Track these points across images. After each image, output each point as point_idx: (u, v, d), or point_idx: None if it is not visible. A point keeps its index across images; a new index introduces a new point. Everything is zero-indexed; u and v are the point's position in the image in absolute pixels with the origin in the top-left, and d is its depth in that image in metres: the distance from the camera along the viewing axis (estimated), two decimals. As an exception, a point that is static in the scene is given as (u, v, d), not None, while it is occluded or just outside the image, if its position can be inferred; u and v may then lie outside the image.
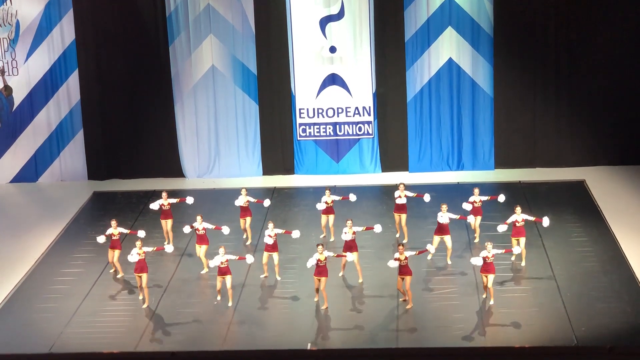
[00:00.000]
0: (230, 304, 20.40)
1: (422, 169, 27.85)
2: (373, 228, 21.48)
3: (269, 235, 21.15)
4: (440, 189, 25.58)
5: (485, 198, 22.65)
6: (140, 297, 20.57)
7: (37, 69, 27.82)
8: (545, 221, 21.55)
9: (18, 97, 28.01)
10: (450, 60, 27.38)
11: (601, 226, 23.45)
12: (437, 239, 21.75)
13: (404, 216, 22.70)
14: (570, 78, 27.24)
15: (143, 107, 27.90)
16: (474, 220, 22.40)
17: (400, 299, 20.02)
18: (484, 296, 20.18)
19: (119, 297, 20.93)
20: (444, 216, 21.68)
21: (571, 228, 23.38)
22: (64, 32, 27.57)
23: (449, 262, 21.77)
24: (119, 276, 21.75)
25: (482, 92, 27.50)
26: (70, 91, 27.94)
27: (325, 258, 20.14)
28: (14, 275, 22.09)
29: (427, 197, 22.90)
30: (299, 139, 28.04)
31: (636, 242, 22.61)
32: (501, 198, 22.80)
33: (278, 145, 28.12)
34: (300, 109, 27.88)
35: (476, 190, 22.64)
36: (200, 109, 28.01)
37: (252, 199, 23.00)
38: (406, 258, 19.68)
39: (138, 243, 20.57)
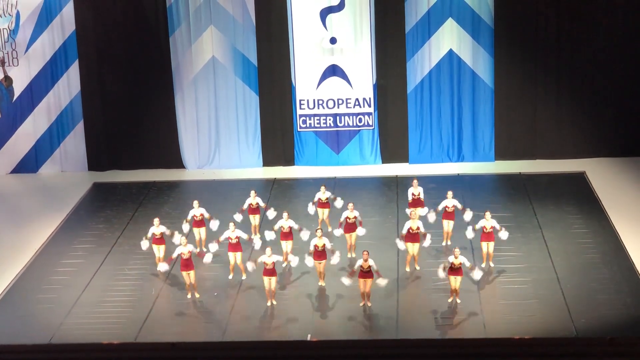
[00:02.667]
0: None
1: (422, 161, 27.84)
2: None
3: (282, 227, 21.29)
4: (440, 181, 25.58)
5: (458, 205, 21.96)
6: (189, 295, 20.50)
7: (37, 60, 27.79)
8: (504, 234, 21.27)
9: (18, 87, 27.98)
10: (450, 51, 27.36)
11: (601, 218, 23.45)
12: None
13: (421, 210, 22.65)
14: (570, 69, 27.21)
15: (143, 98, 27.88)
16: (447, 225, 22.16)
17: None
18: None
19: (119, 288, 20.93)
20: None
21: (571, 220, 23.37)
22: (64, 23, 27.53)
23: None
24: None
25: (483, 84, 27.48)
26: (70, 81, 27.91)
27: (324, 245, 20.27)
28: (14, 266, 22.08)
29: (467, 214, 22.09)
30: (299, 130, 28.03)
31: (636, 234, 22.61)
32: (467, 216, 21.79)
33: (278, 137, 28.11)
34: (300, 100, 27.87)
35: (449, 194, 22.17)
36: (200, 100, 27.99)
37: (261, 203, 22.90)
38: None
39: (183, 240, 20.40)
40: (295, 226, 21.46)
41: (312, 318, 19.50)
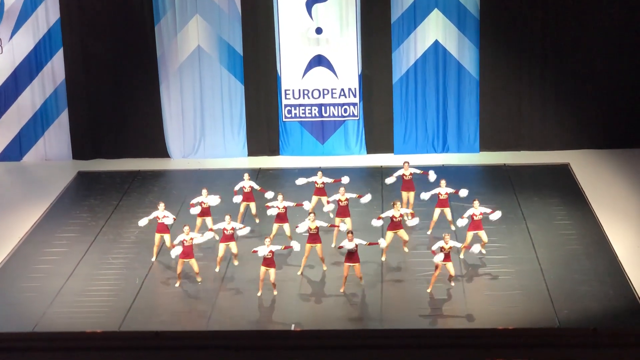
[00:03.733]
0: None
1: (407, 151, 27.86)
2: (362, 197, 22.14)
3: (278, 207, 21.48)
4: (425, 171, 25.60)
5: (450, 190, 22.21)
6: (177, 284, 20.54)
7: (21, 49, 27.67)
8: (497, 214, 21.47)
9: (2, 76, 27.85)
10: (436, 42, 27.37)
11: (585, 209, 23.53)
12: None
13: (412, 194, 22.74)
14: (556, 61, 27.27)
15: (128, 87, 27.81)
16: (441, 213, 22.23)
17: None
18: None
19: (103, 277, 20.91)
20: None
21: (555, 211, 23.44)
22: (49, 12, 27.42)
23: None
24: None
25: (468, 75, 27.51)
26: (55, 71, 27.82)
27: (317, 227, 20.40)
28: (-2, 255, 22.07)
29: (432, 176, 22.90)
30: (284, 120, 28.01)
31: (619, 226, 22.71)
32: (463, 193, 22.23)
33: (263, 126, 28.09)
34: (285, 90, 27.85)
35: (443, 182, 22.29)
36: (185, 90, 27.94)
37: (255, 186, 22.95)
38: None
39: (186, 229, 20.39)
40: (292, 204, 21.67)
41: (296, 308, 19.52)
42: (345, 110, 27.90)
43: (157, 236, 21.51)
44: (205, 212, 22.15)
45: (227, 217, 20.91)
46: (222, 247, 20.91)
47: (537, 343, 18.08)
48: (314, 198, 22.84)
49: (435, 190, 22.14)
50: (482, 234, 21.06)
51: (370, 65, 27.62)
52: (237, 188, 22.84)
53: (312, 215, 20.67)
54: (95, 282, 20.73)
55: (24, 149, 28.34)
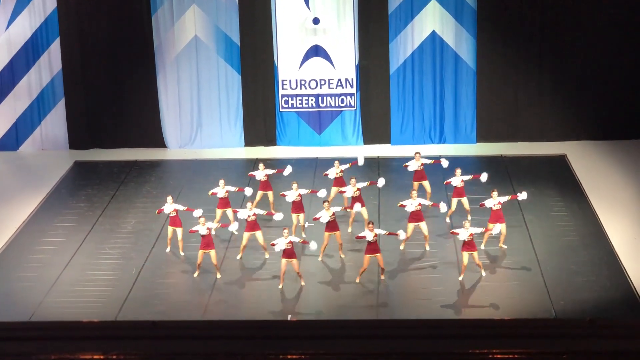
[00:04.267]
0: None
1: (404, 142, 27.85)
2: (377, 183, 22.25)
3: (295, 197, 21.47)
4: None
5: (467, 177, 22.38)
6: (195, 274, 20.52)
7: (18, 36, 27.60)
8: (523, 195, 21.54)
9: (-1, 65, 27.88)
10: (433, 33, 27.35)
11: (581, 201, 23.55)
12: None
13: (426, 183, 22.81)
14: (552, 53, 27.25)
15: (125, 77, 27.76)
16: (459, 203, 22.25)
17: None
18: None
19: (99, 267, 20.91)
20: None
21: (552, 202, 23.47)
22: (46, 1, 27.34)
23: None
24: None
25: (465, 66, 27.49)
26: (51, 59, 27.76)
27: (334, 213, 20.64)
28: (-6, 244, 22.07)
29: (444, 163, 22.97)
30: (281, 110, 28.00)
31: (615, 217, 22.73)
32: (484, 177, 22.42)
33: (260, 117, 28.07)
34: (282, 81, 27.82)
35: (458, 171, 22.43)
36: (182, 80, 27.90)
37: (270, 170, 22.94)
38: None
39: (201, 219, 20.38)
40: (306, 191, 21.77)
41: (293, 298, 19.54)
42: (342, 101, 27.88)
43: (170, 229, 21.36)
44: (225, 203, 22.05)
45: (249, 204, 20.84)
46: (246, 236, 20.84)
47: (534, 334, 18.09)
48: (333, 189, 22.69)
49: (467, 176, 22.24)
50: (503, 227, 21.01)
51: (367, 56, 27.59)
52: (254, 173, 22.74)
53: (326, 204, 20.75)
54: (92, 271, 20.73)
55: (21, 138, 28.30)
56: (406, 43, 27.49)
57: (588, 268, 20.31)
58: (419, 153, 23.18)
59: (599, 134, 27.70)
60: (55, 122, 28.18)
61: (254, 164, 26.13)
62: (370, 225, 19.90)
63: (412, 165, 22.95)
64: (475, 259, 19.88)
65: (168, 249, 21.47)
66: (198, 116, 28.11)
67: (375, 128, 28.00)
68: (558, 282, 19.76)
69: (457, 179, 22.12)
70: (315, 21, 27.41)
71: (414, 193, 21.27)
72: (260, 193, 22.75)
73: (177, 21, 27.42)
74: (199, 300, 19.47)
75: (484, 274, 19.99)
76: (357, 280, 19.98)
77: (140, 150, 27.78)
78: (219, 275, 20.28)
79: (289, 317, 18.74)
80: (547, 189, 24.20)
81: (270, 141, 28.15)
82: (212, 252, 20.22)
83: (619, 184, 24.71)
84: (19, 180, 26.46)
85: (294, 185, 21.71)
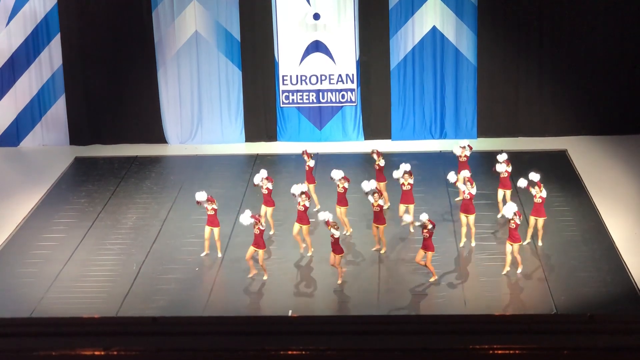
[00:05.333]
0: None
1: (404, 137, 27.85)
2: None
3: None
4: (422, 158, 25.64)
5: (509, 169, 22.27)
6: (203, 254, 20.69)
7: (18, 33, 27.59)
8: (522, 182, 21.47)
9: (-1, 61, 27.85)
10: (434, 28, 27.33)
11: (582, 196, 23.55)
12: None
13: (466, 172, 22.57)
14: (553, 48, 27.24)
15: (125, 73, 27.75)
16: (503, 194, 22.24)
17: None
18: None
19: (100, 263, 20.91)
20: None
21: (552, 197, 23.40)
22: (46, -4, 27.39)
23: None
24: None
25: (466, 61, 27.48)
26: (52, 56, 27.74)
27: (379, 205, 20.77)
28: (-5, 240, 22.06)
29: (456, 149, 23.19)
30: (282, 105, 27.99)
31: (616, 212, 22.72)
32: (522, 183, 21.67)
33: (261, 112, 28.06)
34: (283, 76, 27.81)
35: (501, 157, 22.55)
36: (183, 75, 27.89)
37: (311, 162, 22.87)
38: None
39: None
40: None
41: (294, 294, 19.54)
42: (343, 96, 27.87)
43: (207, 229, 20.83)
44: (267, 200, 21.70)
45: (303, 196, 20.64)
46: (296, 226, 20.75)
47: (534, 329, 18.10)
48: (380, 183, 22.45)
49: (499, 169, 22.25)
50: (540, 222, 20.94)
51: (368, 51, 27.58)
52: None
53: (375, 195, 20.86)
54: (93, 267, 20.73)
55: (21, 134, 28.29)
56: (407, 38, 27.48)
57: (589, 263, 20.31)
58: (470, 145, 23.35)
59: (600, 129, 27.66)
60: (56, 118, 28.17)
61: (254, 159, 26.15)
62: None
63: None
64: (515, 253, 19.81)
65: (204, 253, 20.93)
66: (198, 112, 28.11)
67: (375, 123, 28.00)
68: (559, 277, 19.77)
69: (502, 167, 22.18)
70: (316, 17, 27.39)
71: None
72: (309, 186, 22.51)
73: (177, 17, 27.41)
74: (200, 296, 19.47)
75: (519, 270, 19.91)
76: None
77: (140, 146, 27.76)
78: (265, 277, 20.05)
79: (290, 313, 18.74)
80: (548, 184, 24.11)
81: (271, 137, 28.14)
82: (261, 252, 19.90)
83: (620, 179, 24.70)
84: (19, 176, 26.45)
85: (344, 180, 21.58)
